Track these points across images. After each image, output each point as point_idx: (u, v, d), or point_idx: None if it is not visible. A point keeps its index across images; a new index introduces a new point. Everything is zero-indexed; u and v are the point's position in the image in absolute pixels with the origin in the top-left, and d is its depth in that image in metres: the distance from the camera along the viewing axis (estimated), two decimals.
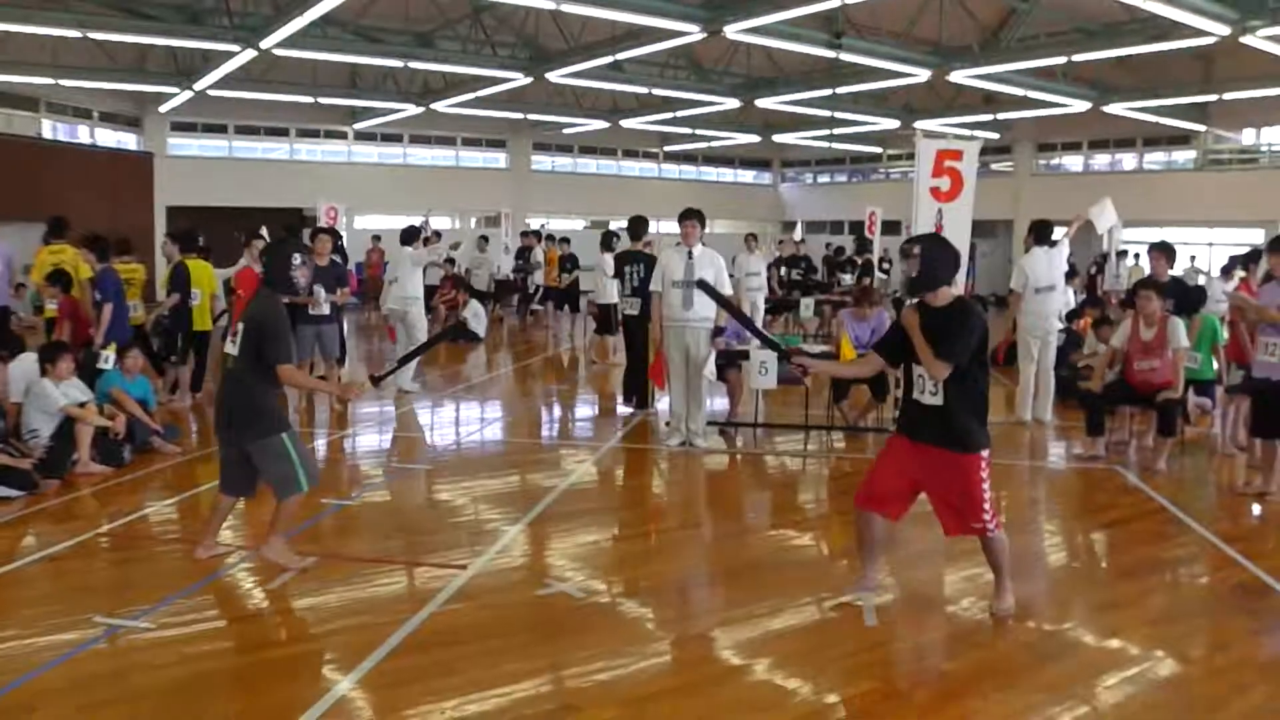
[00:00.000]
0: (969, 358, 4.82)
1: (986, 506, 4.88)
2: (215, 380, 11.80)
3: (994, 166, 31.60)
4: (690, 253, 8.85)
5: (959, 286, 5.13)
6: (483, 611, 5.11)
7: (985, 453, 4.90)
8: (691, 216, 8.91)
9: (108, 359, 8.77)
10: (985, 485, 4.88)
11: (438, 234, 19.29)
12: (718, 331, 9.03)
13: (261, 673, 4.45)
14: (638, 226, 10.68)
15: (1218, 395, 9.66)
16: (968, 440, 4.86)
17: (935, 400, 4.88)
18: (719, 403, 10.24)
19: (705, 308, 8.72)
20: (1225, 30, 14.84)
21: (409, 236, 12.26)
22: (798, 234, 25.11)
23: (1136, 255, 22.17)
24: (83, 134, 25.66)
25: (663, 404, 9.30)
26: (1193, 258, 24.93)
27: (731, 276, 11.71)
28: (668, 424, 9.35)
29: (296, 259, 5.66)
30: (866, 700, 4.21)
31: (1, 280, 11.02)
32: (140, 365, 9.02)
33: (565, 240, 19.37)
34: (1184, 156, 27.78)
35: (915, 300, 5.05)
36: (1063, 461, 9.17)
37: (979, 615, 5.19)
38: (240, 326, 5.49)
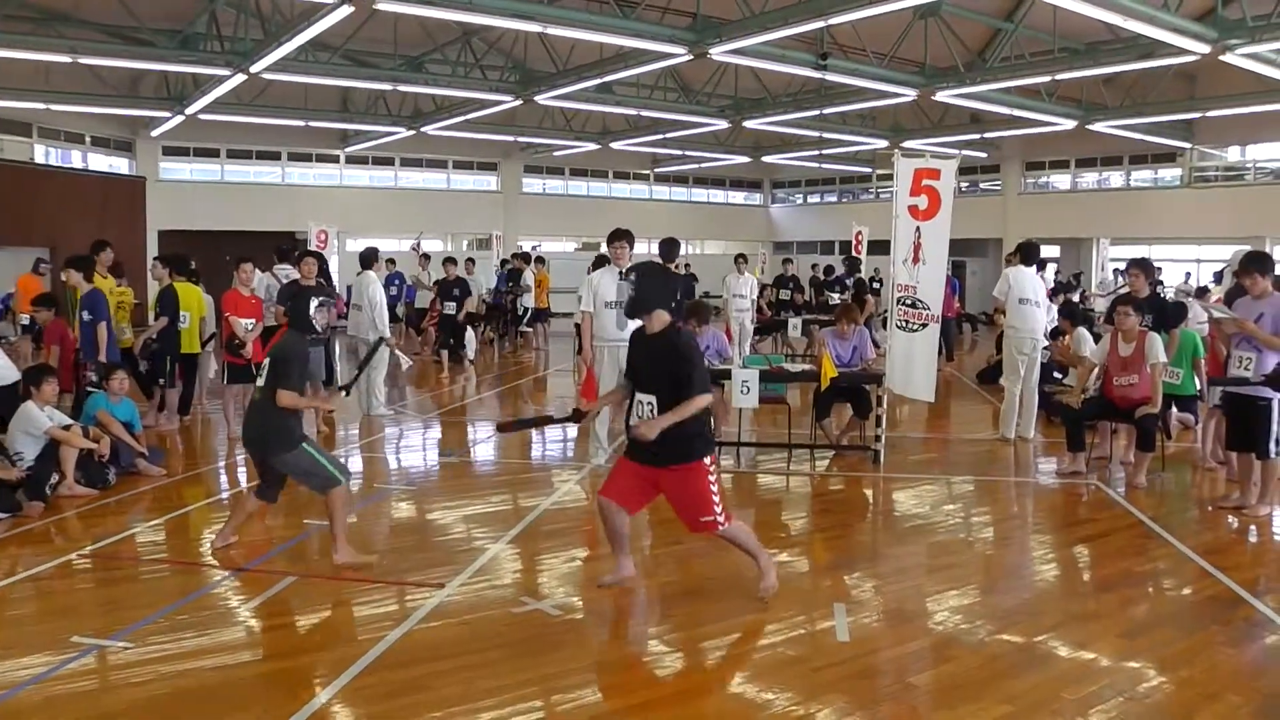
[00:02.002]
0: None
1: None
2: (203, 403, 11.92)
3: (982, 185, 31.81)
4: (621, 273, 8.98)
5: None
6: (459, 629, 5.16)
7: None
8: (621, 237, 9.05)
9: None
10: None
11: (426, 256, 19.37)
12: None
13: (239, 689, 4.48)
14: (670, 248, 10.72)
15: (1199, 410, 9.74)
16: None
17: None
18: None
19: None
20: (1205, 49, 15.01)
21: (369, 260, 12.12)
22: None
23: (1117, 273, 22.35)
24: (75, 158, 25.78)
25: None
26: (1187, 274, 25.11)
27: (719, 297, 11.79)
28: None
29: (314, 303, 6.25)
30: (834, 714, 4.25)
31: None
32: (126, 388, 9.06)
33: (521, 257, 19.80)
34: (1170, 174, 27.98)
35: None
36: (1044, 477, 9.22)
37: (953, 630, 5.25)
38: (266, 361, 6.16)
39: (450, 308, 16.92)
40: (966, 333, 24.65)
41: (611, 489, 5.56)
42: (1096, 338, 10.69)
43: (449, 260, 17.79)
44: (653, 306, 5.32)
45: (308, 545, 6.75)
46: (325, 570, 6.17)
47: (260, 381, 6.15)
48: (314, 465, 6.14)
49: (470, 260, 21.05)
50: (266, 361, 6.19)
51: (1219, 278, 14.07)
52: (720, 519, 5.35)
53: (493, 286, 21.40)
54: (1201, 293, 12.40)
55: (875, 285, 22.94)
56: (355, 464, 9.71)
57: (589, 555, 6.64)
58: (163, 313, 10.66)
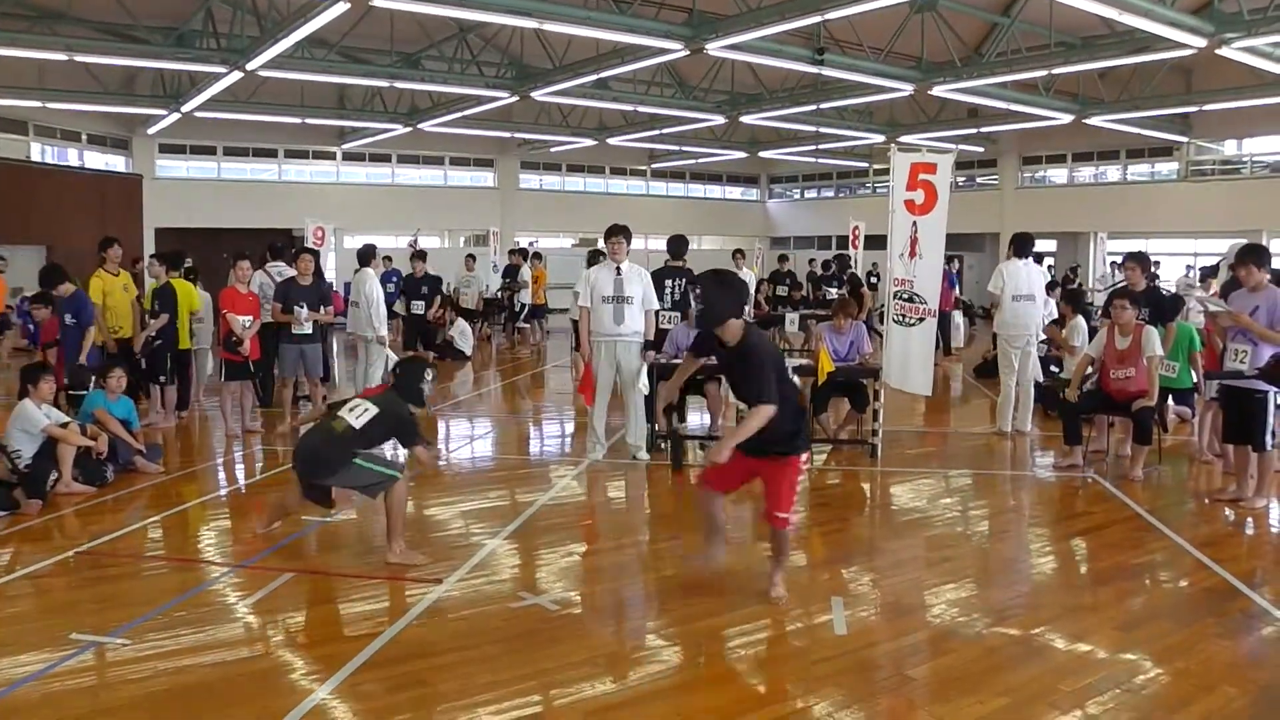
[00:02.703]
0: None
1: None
2: (200, 400, 11.91)
3: (979, 180, 31.81)
4: (619, 269, 9.01)
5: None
6: (457, 624, 5.17)
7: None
8: (618, 233, 9.10)
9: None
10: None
11: (422, 254, 19.33)
12: (648, 346, 9.16)
13: (236, 685, 4.48)
14: (679, 245, 10.72)
15: (1196, 403, 9.75)
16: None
17: None
18: (702, 417, 10.30)
19: (635, 322, 9.00)
20: (1201, 43, 15.00)
21: (366, 256, 12.07)
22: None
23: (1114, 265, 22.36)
24: (71, 156, 25.73)
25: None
26: (1188, 268, 25.09)
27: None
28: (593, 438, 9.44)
29: (428, 375, 6.52)
30: (831, 706, 4.26)
31: None
32: (123, 385, 9.06)
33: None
34: (1167, 168, 27.96)
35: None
36: (1041, 471, 9.24)
37: (950, 623, 5.27)
38: (370, 409, 6.22)
39: (419, 307, 16.64)
40: (964, 326, 24.66)
41: (712, 475, 5.57)
42: (1093, 331, 10.72)
43: (417, 256, 17.34)
44: (725, 317, 5.20)
45: (305, 542, 6.76)
46: (323, 566, 6.19)
47: (351, 419, 6.18)
48: (367, 474, 6.21)
49: (470, 256, 21.09)
50: (367, 408, 6.23)
51: (1214, 271, 14.07)
52: (791, 518, 5.43)
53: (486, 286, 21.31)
54: (1206, 275, 12.39)
55: (873, 280, 22.97)
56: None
57: (587, 550, 6.65)
58: (162, 310, 10.65)
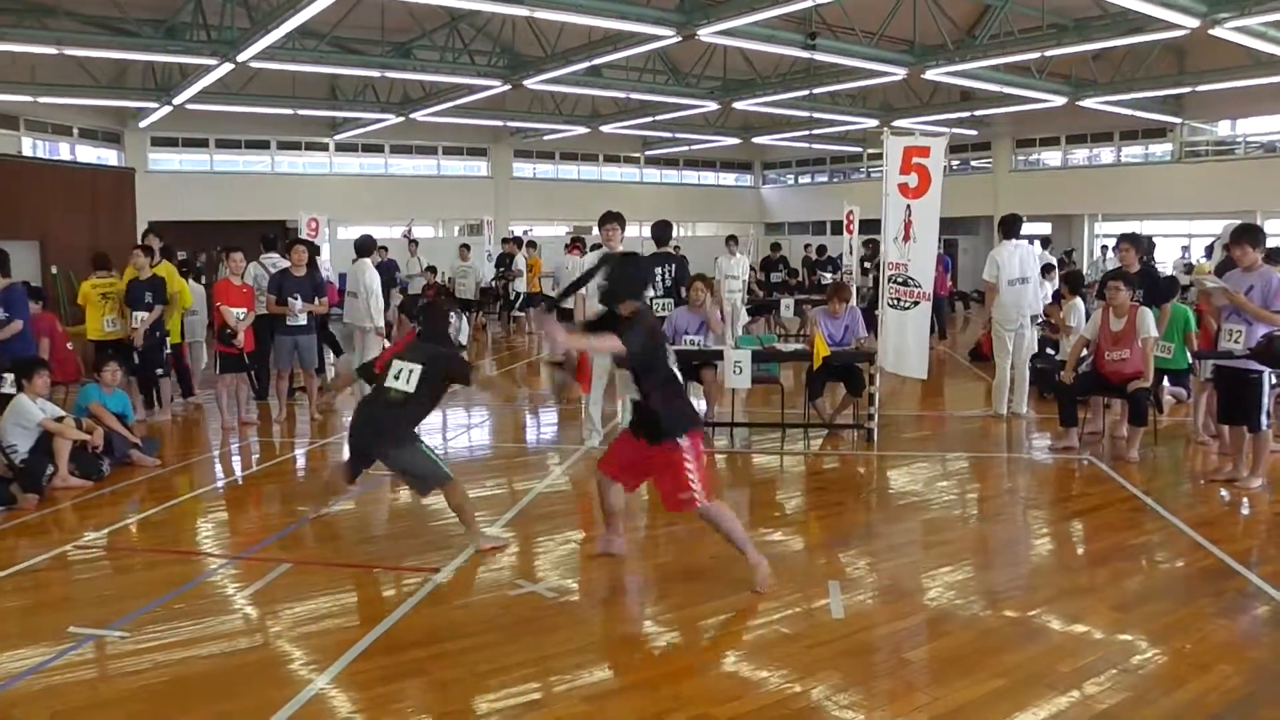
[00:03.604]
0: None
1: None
2: (196, 393, 11.89)
3: (973, 163, 31.79)
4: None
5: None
6: (455, 613, 5.18)
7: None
8: (612, 220, 9.07)
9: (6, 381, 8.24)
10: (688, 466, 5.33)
11: (415, 243, 19.27)
12: None
13: (235, 676, 4.49)
14: (663, 230, 10.68)
15: (1191, 385, 9.77)
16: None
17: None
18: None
19: None
20: (1194, 23, 14.96)
21: (365, 247, 11.99)
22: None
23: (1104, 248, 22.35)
24: (63, 151, 25.61)
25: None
26: (1184, 249, 25.11)
27: (712, 278, 11.76)
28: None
29: (453, 316, 6.53)
30: (829, 689, 4.27)
31: None
32: (118, 379, 9.05)
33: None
34: (1161, 149, 27.94)
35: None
36: (1037, 453, 9.25)
37: (947, 605, 5.28)
38: (414, 368, 6.21)
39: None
40: (959, 311, 24.69)
41: (607, 461, 5.75)
42: (1088, 314, 10.73)
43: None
44: (624, 297, 5.39)
45: (302, 532, 6.75)
46: (320, 557, 6.19)
47: (400, 385, 6.20)
48: (428, 465, 6.24)
49: (465, 246, 21.05)
50: (411, 368, 6.22)
51: (1209, 252, 14.08)
52: (696, 495, 5.37)
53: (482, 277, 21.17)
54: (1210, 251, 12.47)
55: (865, 266, 22.94)
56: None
57: (584, 538, 6.66)
58: (156, 302, 10.61)
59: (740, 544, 5.49)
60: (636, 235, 28.36)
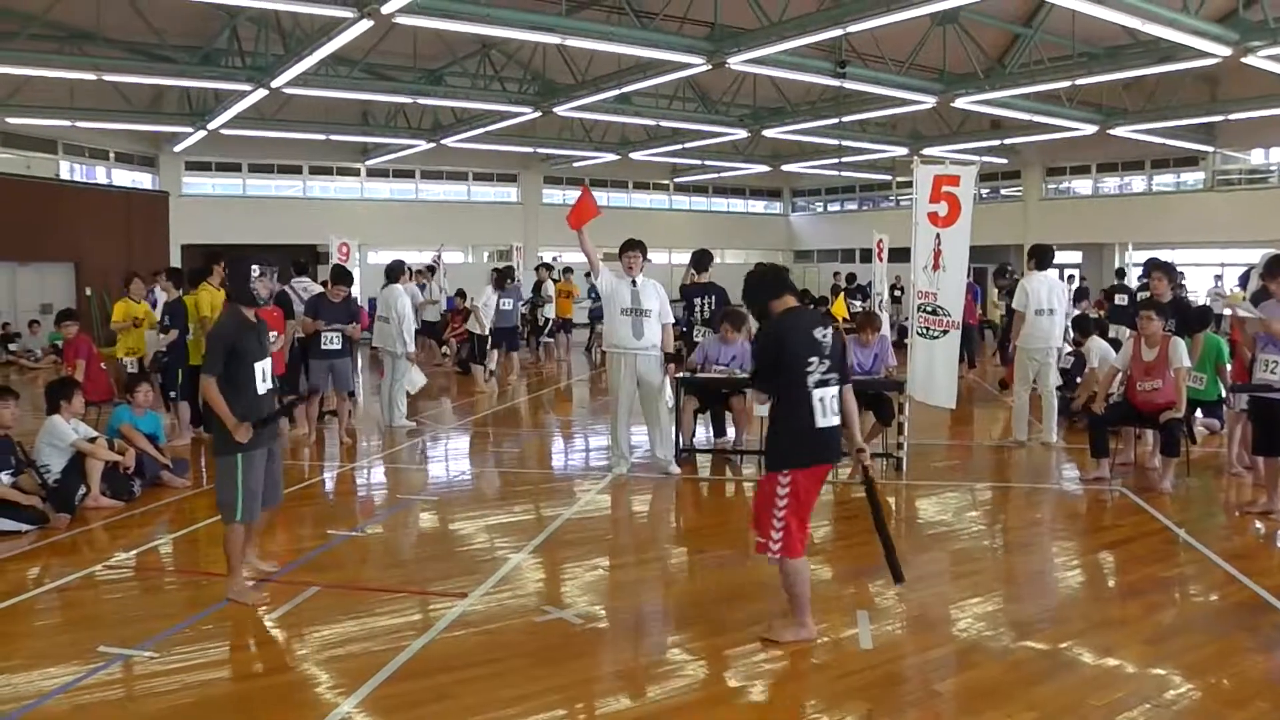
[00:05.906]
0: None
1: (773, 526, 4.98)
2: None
3: (1003, 191, 31.67)
4: (634, 282, 9.02)
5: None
6: (482, 638, 5.17)
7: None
8: (634, 247, 9.16)
9: None
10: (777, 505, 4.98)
11: (430, 270, 19.24)
12: (669, 359, 9.14)
13: (263, 698, 4.51)
14: (702, 259, 10.72)
15: (1224, 415, 9.66)
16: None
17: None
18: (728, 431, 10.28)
19: (654, 335, 9.00)
20: (1226, 51, 14.89)
21: (395, 272, 12.04)
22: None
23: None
24: (99, 174, 25.98)
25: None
26: (1217, 277, 24.88)
27: (743, 313, 11.76)
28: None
29: (255, 270, 5.72)
30: None
31: None
32: (150, 400, 9.13)
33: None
34: (1193, 178, 27.74)
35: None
36: (1068, 483, 9.16)
37: (976, 636, 5.23)
38: None
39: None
40: (989, 339, 24.53)
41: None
42: (1116, 344, 10.68)
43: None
44: (763, 300, 5.31)
45: (331, 555, 6.77)
46: (348, 580, 6.21)
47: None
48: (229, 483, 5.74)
49: (495, 270, 21.06)
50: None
51: (1243, 281, 13.95)
52: (770, 544, 5.00)
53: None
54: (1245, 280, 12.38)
55: (896, 294, 22.90)
56: (378, 475, 9.76)
57: (611, 564, 6.64)
58: (172, 324, 10.66)
59: (799, 610, 5.11)
60: (666, 263, 28.50)
